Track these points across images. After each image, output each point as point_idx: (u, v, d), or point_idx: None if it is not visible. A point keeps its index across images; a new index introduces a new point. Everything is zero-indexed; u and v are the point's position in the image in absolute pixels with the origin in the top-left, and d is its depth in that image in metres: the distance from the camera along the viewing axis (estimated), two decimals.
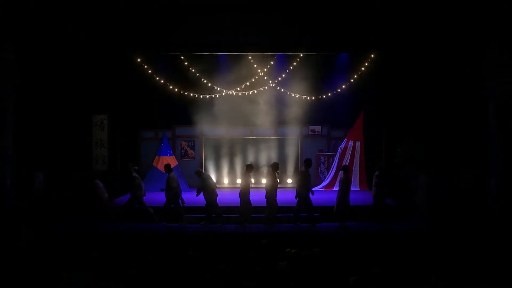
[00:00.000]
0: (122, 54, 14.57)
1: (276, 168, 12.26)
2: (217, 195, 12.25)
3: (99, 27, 13.71)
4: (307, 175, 12.09)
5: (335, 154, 16.40)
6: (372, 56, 15.41)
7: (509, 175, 12.54)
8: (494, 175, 12.87)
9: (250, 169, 12.31)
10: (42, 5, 13.08)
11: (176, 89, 16.18)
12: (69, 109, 14.34)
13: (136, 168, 12.89)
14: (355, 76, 16.06)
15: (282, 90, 16.44)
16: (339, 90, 16.36)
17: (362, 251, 8.80)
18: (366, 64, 15.71)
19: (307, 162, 12.19)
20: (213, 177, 17.39)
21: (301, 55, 15.79)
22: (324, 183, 16.25)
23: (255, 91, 16.35)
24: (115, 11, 13.60)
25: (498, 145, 12.79)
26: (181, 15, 13.97)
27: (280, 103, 16.55)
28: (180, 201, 12.10)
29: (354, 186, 15.91)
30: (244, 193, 12.00)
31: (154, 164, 16.24)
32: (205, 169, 17.41)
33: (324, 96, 16.48)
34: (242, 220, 11.96)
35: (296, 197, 12.00)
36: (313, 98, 16.46)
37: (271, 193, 11.92)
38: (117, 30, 13.86)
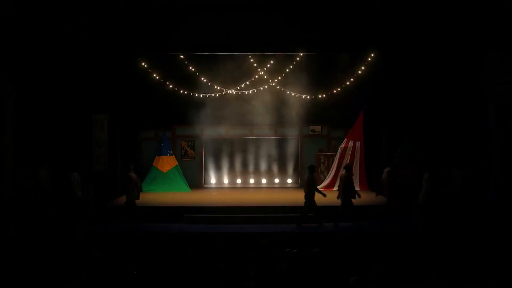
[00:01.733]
0: (122, 54, 14.58)
1: (350, 171, 12.63)
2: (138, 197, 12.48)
3: (99, 27, 13.71)
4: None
5: (335, 154, 16.39)
6: (372, 55, 15.41)
7: (509, 175, 12.54)
8: (494, 175, 12.86)
9: (313, 169, 12.51)
10: (42, 5, 13.08)
11: (176, 89, 16.19)
12: (69, 109, 14.34)
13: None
14: (355, 76, 16.06)
15: (282, 89, 16.45)
16: (339, 89, 16.37)
17: (362, 251, 8.80)
18: (366, 63, 15.71)
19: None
20: (213, 177, 17.50)
21: (301, 54, 15.79)
22: (324, 183, 16.22)
23: (255, 90, 16.37)
24: (115, 11, 13.61)
25: (498, 145, 12.79)
26: (181, 15, 13.98)
27: (280, 102, 16.55)
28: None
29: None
30: (309, 194, 12.13)
31: (154, 164, 16.24)
32: (205, 169, 17.43)
33: (324, 96, 16.49)
34: (301, 221, 12.11)
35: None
36: (313, 97, 16.47)
37: (348, 196, 12.08)
38: (117, 30, 13.87)
